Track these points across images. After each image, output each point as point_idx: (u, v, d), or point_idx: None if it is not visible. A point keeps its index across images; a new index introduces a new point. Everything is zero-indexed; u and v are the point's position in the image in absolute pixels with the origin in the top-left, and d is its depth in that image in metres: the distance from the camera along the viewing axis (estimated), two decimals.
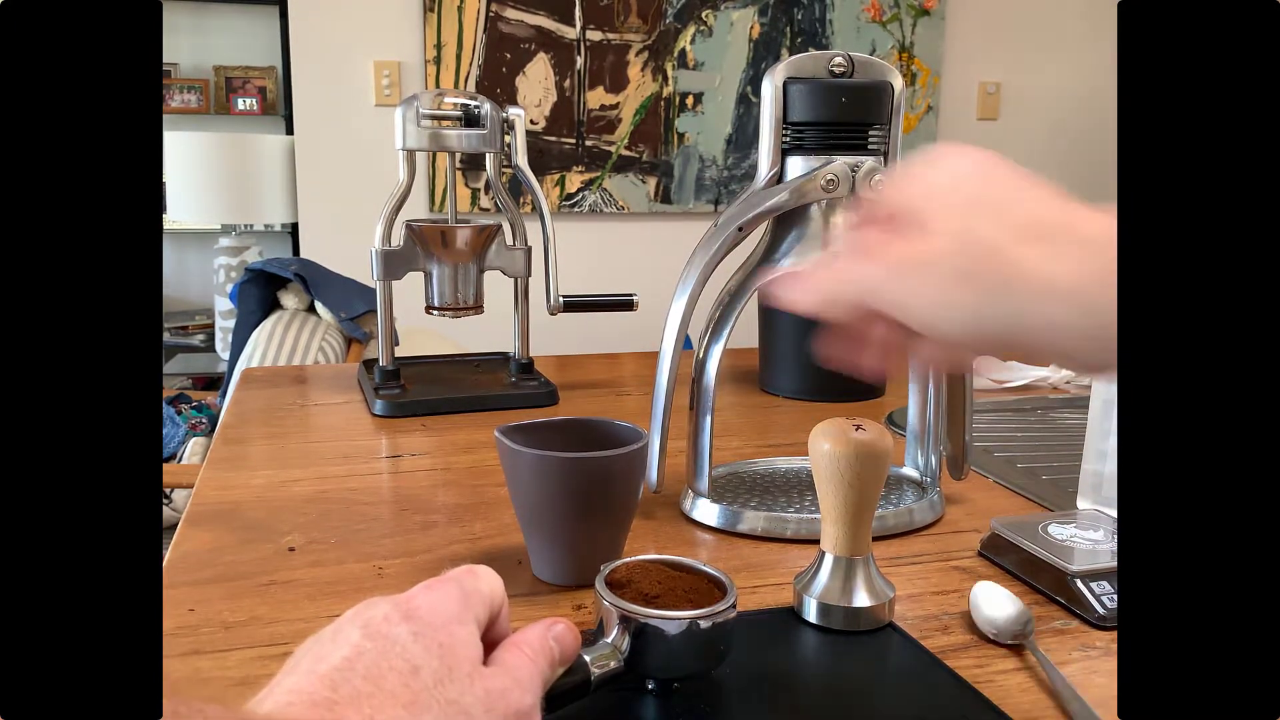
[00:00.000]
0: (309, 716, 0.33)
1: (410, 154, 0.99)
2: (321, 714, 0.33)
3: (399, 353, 1.08)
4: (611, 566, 0.49)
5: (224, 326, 2.80)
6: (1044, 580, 0.60)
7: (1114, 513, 0.68)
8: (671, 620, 0.45)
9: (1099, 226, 0.36)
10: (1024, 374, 1.15)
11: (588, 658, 0.44)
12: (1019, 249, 0.37)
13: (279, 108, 3.73)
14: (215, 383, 3.33)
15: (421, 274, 1.03)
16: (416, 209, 2.89)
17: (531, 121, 2.92)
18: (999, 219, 0.38)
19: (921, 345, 0.41)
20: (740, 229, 0.69)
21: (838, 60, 0.69)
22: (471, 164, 1.03)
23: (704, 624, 0.45)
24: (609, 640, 0.45)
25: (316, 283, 1.95)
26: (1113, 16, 2.93)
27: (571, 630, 0.43)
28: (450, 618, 0.39)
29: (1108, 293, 0.34)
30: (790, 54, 3.05)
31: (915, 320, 0.40)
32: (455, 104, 1.00)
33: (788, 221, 0.70)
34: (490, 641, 0.41)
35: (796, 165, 0.69)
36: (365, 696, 0.35)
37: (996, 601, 0.56)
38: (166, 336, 3.44)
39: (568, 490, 0.58)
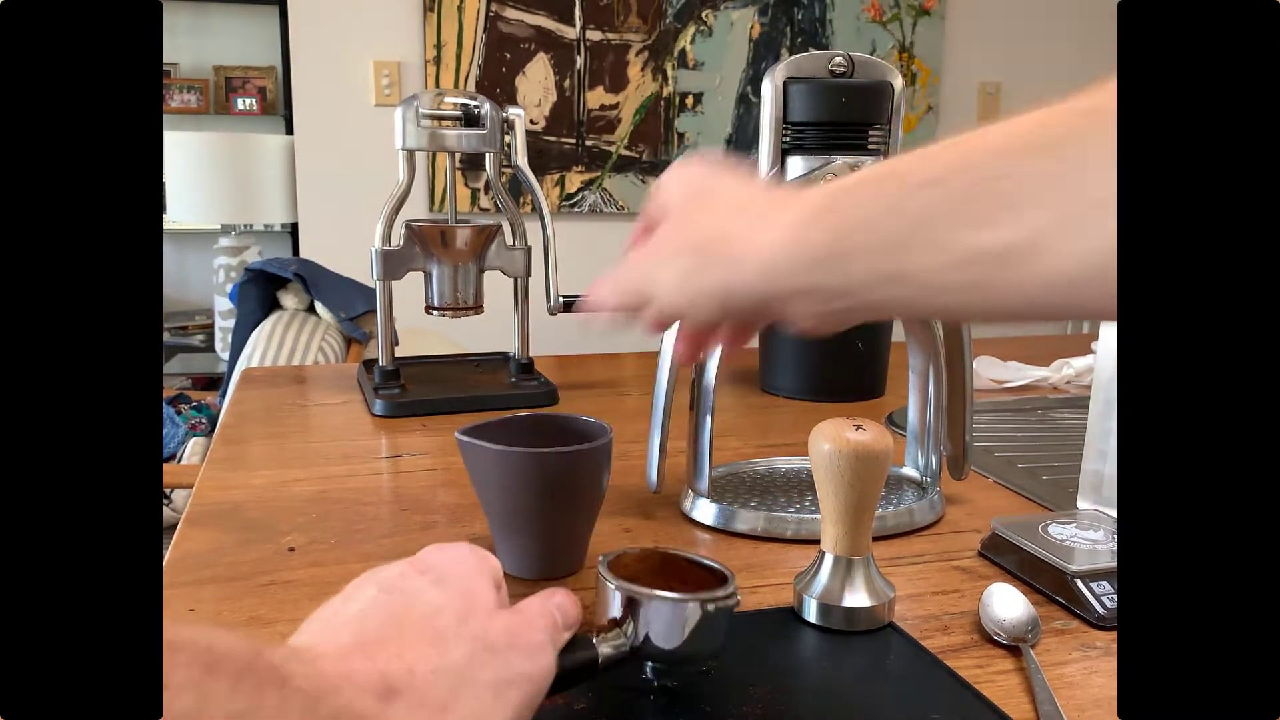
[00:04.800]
0: (333, 655, 0.33)
1: (410, 154, 0.99)
2: (347, 653, 0.33)
3: (399, 353, 1.08)
4: (613, 555, 0.49)
5: (224, 326, 2.80)
6: (1044, 580, 0.60)
7: (1114, 513, 0.68)
8: (681, 601, 0.45)
9: (801, 201, 0.40)
10: (1024, 374, 1.15)
11: (594, 639, 0.44)
12: (731, 224, 0.43)
13: (279, 108, 3.74)
14: (215, 383, 3.33)
15: (421, 274, 1.03)
16: (416, 209, 2.89)
17: (531, 121, 2.92)
18: (716, 202, 0.45)
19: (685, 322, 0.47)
20: None
21: (838, 60, 0.69)
22: (471, 164, 1.03)
23: (711, 607, 0.45)
24: (613, 619, 0.46)
25: (316, 283, 1.94)
26: (1112, 17, 2.93)
27: (571, 597, 0.43)
28: (471, 570, 0.40)
29: (805, 250, 0.39)
30: (790, 54, 3.04)
31: (664, 296, 0.46)
32: (455, 104, 1.00)
33: None
34: None
35: (796, 165, 0.69)
36: (390, 639, 0.34)
37: (1009, 603, 0.56)
38: (166, 336, 3.44)
39: (532, 487, 0.59)
